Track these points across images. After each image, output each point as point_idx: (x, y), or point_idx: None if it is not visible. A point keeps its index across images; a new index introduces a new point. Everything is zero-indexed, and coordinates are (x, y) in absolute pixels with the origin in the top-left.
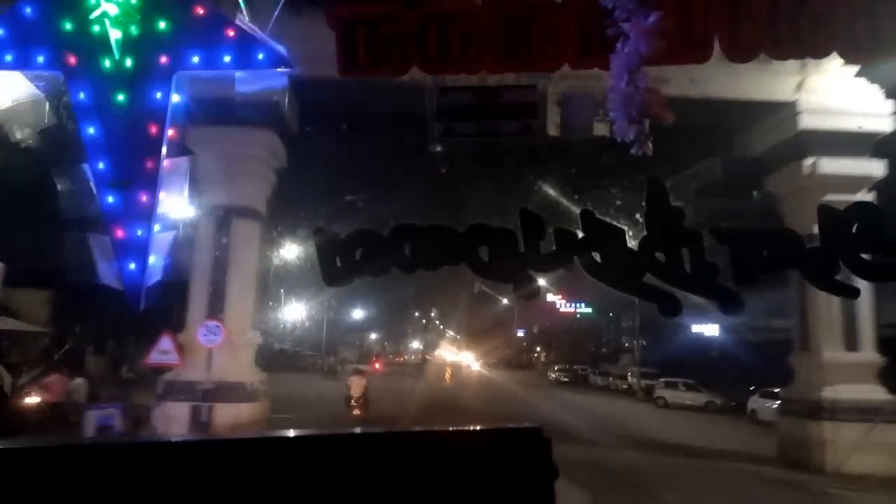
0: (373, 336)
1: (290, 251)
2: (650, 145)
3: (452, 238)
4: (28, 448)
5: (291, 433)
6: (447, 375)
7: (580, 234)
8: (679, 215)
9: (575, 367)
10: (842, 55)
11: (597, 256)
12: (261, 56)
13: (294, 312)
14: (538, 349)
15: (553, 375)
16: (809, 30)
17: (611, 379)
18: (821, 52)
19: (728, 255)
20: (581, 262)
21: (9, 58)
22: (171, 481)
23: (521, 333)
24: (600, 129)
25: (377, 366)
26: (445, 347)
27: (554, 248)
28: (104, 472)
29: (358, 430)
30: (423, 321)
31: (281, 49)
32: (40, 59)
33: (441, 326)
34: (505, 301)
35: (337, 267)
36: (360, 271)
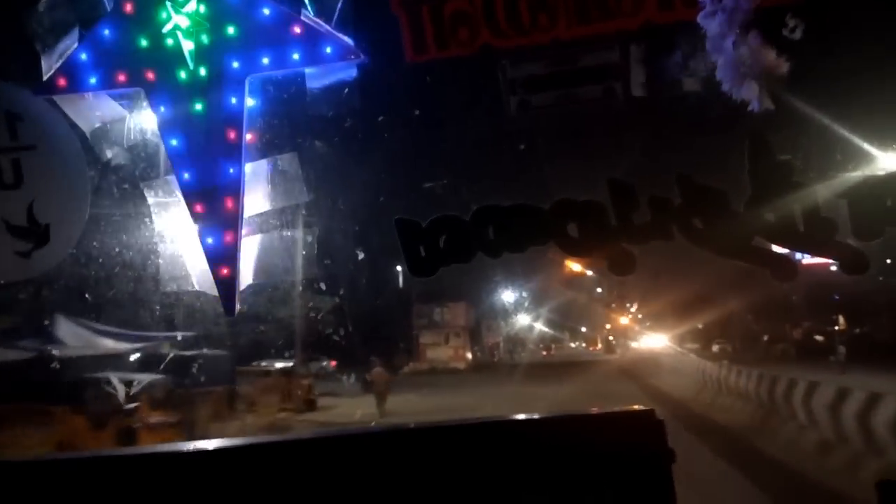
0: (529, 322)
1: None
2: (769, 99)
3: (537, 216)
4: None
5: (403, 426)
6: None
7: (677, 201)
8: (787, 169)
9: None
10: None
11: (698, 222)
12: (329, 49)
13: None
14: (839, 322)
15: None
16: None
17: None
18: None
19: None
20: (681, 231)
21: (93, 80)
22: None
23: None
24: (690, 85)
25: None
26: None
27: (649, 217)
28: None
29: (470, 420)
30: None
31: (348, 40)
32: (121, 78)
33: (626, 303)
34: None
35: (421, 256)
36: (445, 259)
